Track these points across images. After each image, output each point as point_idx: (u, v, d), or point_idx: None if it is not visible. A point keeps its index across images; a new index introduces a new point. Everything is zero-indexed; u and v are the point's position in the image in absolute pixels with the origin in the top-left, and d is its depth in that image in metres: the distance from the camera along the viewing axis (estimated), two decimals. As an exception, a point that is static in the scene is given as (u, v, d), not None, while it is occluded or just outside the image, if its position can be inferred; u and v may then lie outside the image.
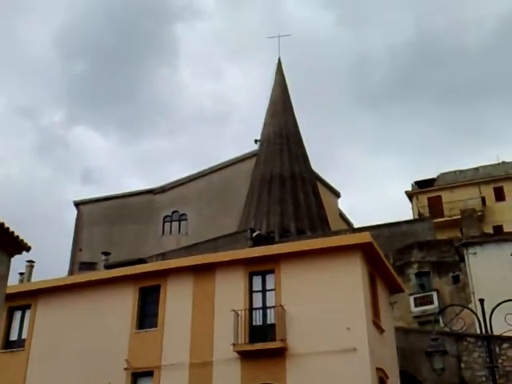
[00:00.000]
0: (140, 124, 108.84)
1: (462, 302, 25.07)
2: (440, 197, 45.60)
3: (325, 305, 17.95)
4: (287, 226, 41.78)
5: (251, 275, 19.30)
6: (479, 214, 39.61)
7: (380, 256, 19.60)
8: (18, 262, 16.11)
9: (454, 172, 47.93)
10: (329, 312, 17.80)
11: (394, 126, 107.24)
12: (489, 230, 39.64)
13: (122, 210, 52.33)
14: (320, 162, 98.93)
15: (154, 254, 40.77)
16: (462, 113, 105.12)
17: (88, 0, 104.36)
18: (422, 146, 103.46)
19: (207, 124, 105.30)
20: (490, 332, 12.64)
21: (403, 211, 49.25)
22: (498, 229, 40.83)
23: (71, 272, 47.03)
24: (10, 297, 16.68)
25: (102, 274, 23.79)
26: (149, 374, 19.22)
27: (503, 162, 47.50)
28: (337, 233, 35.50)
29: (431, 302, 29.20)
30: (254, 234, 36.74)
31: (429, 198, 46.00)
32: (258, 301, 18.93)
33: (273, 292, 18.82)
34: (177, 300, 19.86)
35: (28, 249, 14.05)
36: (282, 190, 43.57)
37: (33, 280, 36.44)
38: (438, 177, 48.28)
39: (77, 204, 53.54)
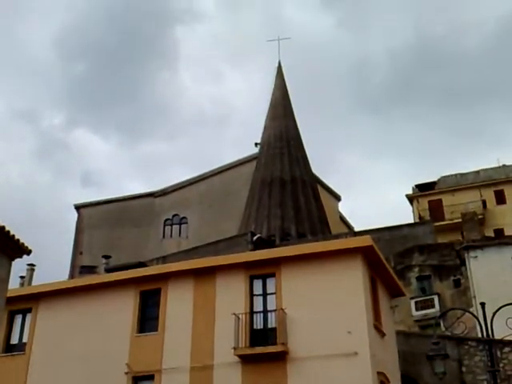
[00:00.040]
0: (140, 127, 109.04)
1: (463, 306, 25.04)
2: (441, 200, 45.58)
3: (326, 308, 17.93)
4: (288, 229, 41.76)
5: (252, 279, 19.27)
6: (480, 217, 39.55)
7: (381, 259, 19.57)
8: (18, 266, 16.11)
9: (455, 175, 47.92)
10: (330, 316, 17.77)
11: (395, 129, 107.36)
12: (490, 233, 39.63)
13: (123, 214, 52.35)
14: (320, 166, 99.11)
15: (155, 257, 40.76)
16: (462, 116, 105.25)
17: (88, 1, 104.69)
18: (422, 149, 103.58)
19: (207, 127, 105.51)
20: (491, 336, 12.63)
21: (404, 214, 49.47)
22: (499, 232, 40.81)
23: (72, 275, 47.02)
24: (11, 300, 16.64)
25: (102, 277, 23.76)
26: (149, 377, 19.16)
27: (504, 166, 47.49)
28: (337, 236, 35.44)
29: (432, 306, 29.15)
30: (255, 238, 36.72)
31: (429, 202, 45.97)
32: (258, 304, 18.90)
33: (273, 295, 18.78)
34: (177, 304, 19.83)
35: (29, 252, 14.02)
36: (282, 193, 43.57)
37: (33, 283, 36.42)
38: (439, 180, 48.28)
39: (77, 207, 53.56)
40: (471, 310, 22.35)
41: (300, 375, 17.44)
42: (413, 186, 48.47)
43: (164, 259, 37.93)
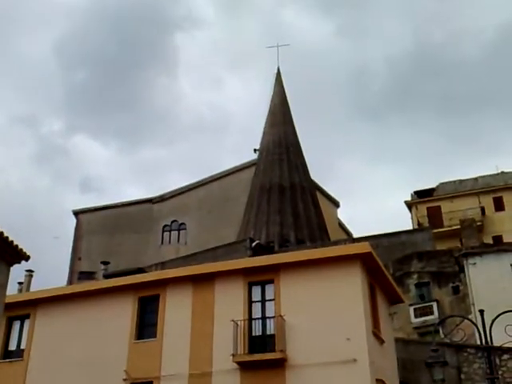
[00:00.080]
0: (139, 133, 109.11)
1: (462, 313, 24.99)
2: (439, 207, 45.61)
3: (324, 315, 17.89)
4: (287, 235, 41.74)
5: (250, 285, 19.23)
6: (479, 224, 39.59)
7: (379, 266, 19.55)
8: (16, 272, 16.08)
9: (454, 182, 47.96)
10: (328, 322, 17.74)
11: (393, 136, 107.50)
12: (488, 240, 39.62)
13: (121, 220, 52.31)
14: (319, 172, 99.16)
15: (153, 263, 40.71)
16: (460, 123, 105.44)
17: (88, 9, 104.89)
18: (420, 155, 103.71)
19: (206, 133, 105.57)
20: (490, 343, 12.61)
21: (402, 221, 49.53)
22: (498, 239, 40.81)
23: (70, 281, 46.95)
24: (9, 306, 16.60)
25: (101, 283, 23.73)
26: (148, 384, 19.12)
27: (502, 172, 47.54)
28: (336, 243, 35.42)
29: (431, 313, 29.12)
30: (254, 244, 36.69)
31: (428, 208, 46.00)
32: (257, 311, 18.85)
33: (272, 302, 18.74)
34: (176, 310, 19.79)
35: (27, 258, 13.99)
36: (281, 199, 43.57)
37: (32, 289, 36.32)
38: (438, 187, 48.31)
39: (76, 213, 53.52)
40: (470, 317, 22.28)
41: (299, 382, 17.39)
42: (411, 192, 48.50)
43: (163, 265, 37.88)
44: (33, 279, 39.94)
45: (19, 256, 13.77)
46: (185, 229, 51.60)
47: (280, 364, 17.69)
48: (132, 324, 20.16)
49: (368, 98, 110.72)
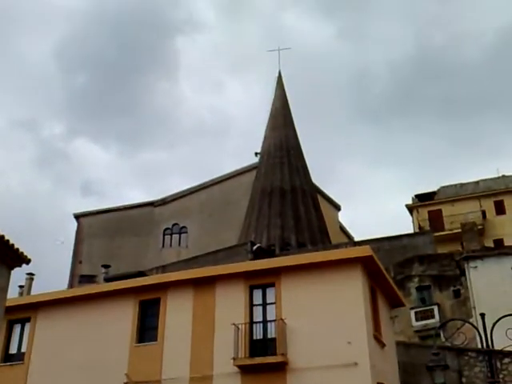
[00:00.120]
0: (140, 136, 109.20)
1: (463, 316, 25.00)
2: (440, 210, 45.61)
3: (325, 319, 17.87)
4: (288, 239, 41.73)
5: (251, 288, 19.21)
6: (480, 227, 39.55)
7: (380, 270, 19.54)
8: (17, 275, 16.08)
9: (455, 185, 47.96)
10: (329, 326, 17.72)
11: (394, 139, 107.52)
12: (489, 243, 39.60)
13: (122, 223, 52.32)
14: (320, 175, 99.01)
15: (154, 266, 40.72)
16: (461, 126, 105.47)
17: (88, 13, 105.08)
18: (422, 159, 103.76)
19: (207, 137, 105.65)
20: (491, 347, 12.58)
21: (403, 224, 49.44)
22: (499, 242, 40.80)
23: (71, 285, 46.97)
24: (10, 310, 16.60)
25: (101, 286, 23.71)
26: (148, 387, 19.10)
27: (503, 176, 47.54)
28: (337, 246, 35.47)
29: (432, 316, 29.10)
30: (255, 247, 36.68)
31: (429, 212, 46.00)
32: (258, 314, 18.83)
33: (273, 305, 18.71)
34: (177, 313, 19.77)
35: (28, 261, 14.00)
36: (282, 202, 43.57)
37: (32, 293, 36.35)
38: (439, 190, 48.31)
39: (77, 216, 53.53)
40: (471, 320, 22.28)
41: (300, 386, 17.36)
42: (412, 196, 48.50)
43: (163, 269, 37.88)
44: (34, 282, 39.95)
45: (20, 259, 13.79)
46: (186, 232, 51.59)
47: (281, 368, 17.66)
48: (133, 327, 20.15)
49: (369, 101, 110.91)
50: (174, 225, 52.15)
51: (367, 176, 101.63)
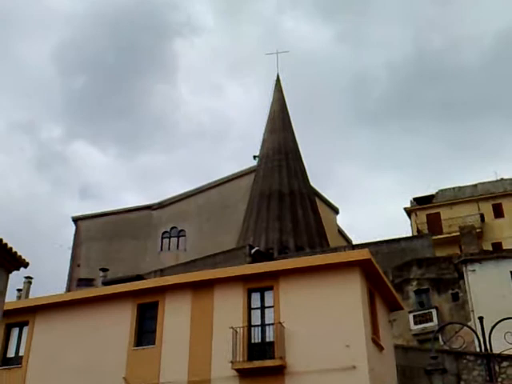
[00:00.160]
0: (138, 139, 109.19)
1: (461, 320, 25.00)
2: (439, 213, 45.61)
3: (324, 322, 17.86)
4: (286, 242, 41.73)
5: (250, 292, 19.19)
6: (478, 230, 39.57)
7: (379, 273, 19.53)
8: (15, 278, 16.06)
9: (453, 189, 47.97)
10: (328, 329, 17.70)
11: (393, 142, 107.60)
12: (488, 247, 39.61)
13: (121, 226, 52.29)
14: (319, 178, 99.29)
15: (152, 270, 40.65)
16: (460, 129, 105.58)
17: (87, 16, 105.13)
18: (420, 162, 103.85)
19: (206, 140, 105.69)
20: (489, 350, 12.58)
21: (402, 228, 49.54)
22: (497, 246, 40.79)
23: (69, 288, 46.91)
24: (8, 313, 16.58)
25: (99, 290, 23.69)
26: (146, 391, 19.04)
27: (502, 179, 47.56)
28: (335, 249, 35.41)
29: (430, 320, 29.08)
30: (253, 251, 36.65)
31: (428, 215, 46.00)
32: (256, 318, 18.80)
33: (271, 309, 18.69)
34: (175, 317, 19.74)
35: (26, 265, 13.98)
36: (280, 206, 43.58)
37: (31, 296, 36.27)
38: (437, 193, 48.31)
39: (75, 220, 53.50)
40: (469, 324, 22.27)
41: (298, 389, 17.34)
42: (411, 199, 48.50)
43: (162, 272, 37.83)
44: (32, 286, 39.90)
45: (18, 263, 13.76)
46: (184, 235, 51.57)
47: (279, 371, 17.63)
48: (131, 331, 20.11)
49: (368, 104, 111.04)
50: (172, 228, 52.14)
51: (365, 179, 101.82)
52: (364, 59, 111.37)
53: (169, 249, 51.37)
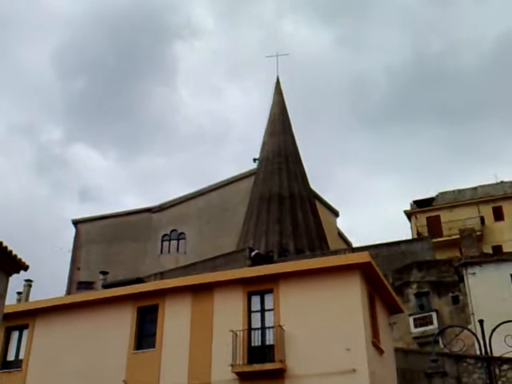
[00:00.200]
0: (138, 142, 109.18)
1: (461, 323, 24.98)
2: (439, 216, 45.60)
3: (324, 325, 17.85)
4: (286, 245, 41.70)
5: (250, 295, 19.18)
6: (478, 233, 39.54)
7: (379, 276, 19.53)
8: (15, 281, 16.07)
9: (453, 191, 47.95)
10: (328, 332, 17.69)
11: (393, 145, 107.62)
12: (488, 250, 39.57)
13: (120, 229, 52.27)
14: (319, 181, 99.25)
15: (152, 273, 40.61)
16: (459, 132, 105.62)
17: (87, 18, 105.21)
18: (420, 165, 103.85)
19: (206, 142, 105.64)
20: (489, 353, 12.57)
21: (402, 231, 49.47)
22: (497, 249, 40.77)
23: (69, 291, 46.87)
24: (8, 316, 16.55)
25: (99, 293, 23.68)
26: (146, 394, 19.03)
27: (502, 182, 47.56)
28: (335, 252, 35.42)
29: (431, 323, 29.05)
30: (253, 254, 36.61)
31: (428, 218, 45.98)
32: (256, 321, 18.80)
33: (271, 312, 18.69)
34: (175, 320, 19.73)
35: (26, 268, 13.96)
36: (280, 209, 43.57)
37: (30, 299, 36.25)
38: (437, 196, 48.30)
39: (75, 222, 53.49)
40: (470, 327, 22.26)
41: (298, 393, 17.32)
42: (411, 202, 48.50)
43: (162, 275, 37.79)
44: (32, 289, 39.87)
45: (18, 266, 13.75)
46: (184, 238, 51.55)
47: (279, 374, 17.62)
48: (131, 334, 20.11)
49: (367, 107, 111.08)
50: (172, 231, 52.12)
51: (366, 182, 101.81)
52: (363, 63, 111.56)
53: (169, 252, 51.34)
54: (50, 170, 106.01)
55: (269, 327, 18.42)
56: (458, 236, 35.87)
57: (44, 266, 54.41)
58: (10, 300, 18.35)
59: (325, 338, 17.62)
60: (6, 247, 13.15)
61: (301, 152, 48.25)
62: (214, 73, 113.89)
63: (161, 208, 53.42)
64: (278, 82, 51.17)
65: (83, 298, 21.88)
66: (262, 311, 18.91)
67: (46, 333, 21.24)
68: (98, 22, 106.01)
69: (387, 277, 27.19)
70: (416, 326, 29.43)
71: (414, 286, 30.92)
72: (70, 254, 51.63)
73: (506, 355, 13.49)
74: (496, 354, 13.06)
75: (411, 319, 29.57)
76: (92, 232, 52.38)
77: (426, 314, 29.68)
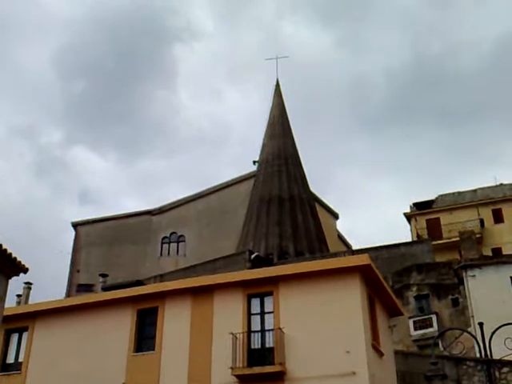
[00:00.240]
0: (138, 145, 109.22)
1: (461, 326, 24.97)
2: (438, 219, 45.62)
3: (324, 328, 17.83)
4: (286, 247, 41.71)
5: (249, 297, 19.16)
6: (478, 236, 39.56)
7: (379, 278, 19.51)
8: (15, 284, 16.05)
9: (453, 194, 47.97)
10: (328, 335, 17.67)
11: (392, 147, 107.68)
12: (487, 252, 39.57)
13: (120, 231, 52.27)
14: (318, 184, 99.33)
15: (152, 275, 40.63)
16: (459, 135, 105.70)
17: (86, 21, 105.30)
18: (420, 167, 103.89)
19: (205, 145, 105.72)
20: (489, 356, 12.56)
21: (402, 233, 49.44)
22: (497, 251, 40.75)
23: (69, 294, 46.86)
24: (7, 319, 16.56)
25: (99, 296, 23.66)
26: (146, 397, 19.00)
27: (501, 184, 47.57)
28: (335, 254, 35.42)
29: (430, 326, 29.05)
30: (253, 256, 36.64)
31: (427, 220, 46.00)
32: (256, 323, 18.77)
33: (271, 314, 18.67)
34: (175, 322, 19.72)
35: (25, 270, 13.96)
36: (280, 211, 43.58)
37: (30, 302, 36.21)
38: (437, 198, 48.32)
39: (75, 225, 53.49)
40: (469, 329, 22.25)
41: (298, 395, 17.30)
42: (411, 204, 48.51)
43: (161, 277, 37.81)
44: (31, 292, 39.85)
45: (18, 268, 13.75)
46: (184, 241, 51.56)
47: (279, 377, 17.60)
48: (131, 337, 20.08)
49: (367, 109, 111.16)
50: (171, 233, 52.13)
51: (365, 184, 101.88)
52: (363, 64, 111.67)
53: (168, 254, 51.35)
54: (49, 172, 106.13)
55: (269, 330, 18.40)
56: (457, 238, 35.89)
57: (44, 269, 54.33)
58: (10, 302, 18.36)
59: (325, 341, 17.60)
60: (5, 250, 13.15)
61: (300, 154, 48.35)
62: (213, 75, 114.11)
63: (161, 210, 53.43)
64: (277, 84, 51.26)
65: (83, 301, 21.85)
66: (262, 314, 18.89)
67: (45, 335, 21.22)
68: (98, 24, 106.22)
69: (387, 279, 27.20)
70: (416, 329, 29.42)
71: (414, 289, 30.92)
72: (69, 257, 51.68)
73: (505, 358, 13.47)
74: (496, 356, 13.06)
75: (411, 322, 29.57)
76: (92, 234, 52.38)
77: (426, 317, 29.68)
